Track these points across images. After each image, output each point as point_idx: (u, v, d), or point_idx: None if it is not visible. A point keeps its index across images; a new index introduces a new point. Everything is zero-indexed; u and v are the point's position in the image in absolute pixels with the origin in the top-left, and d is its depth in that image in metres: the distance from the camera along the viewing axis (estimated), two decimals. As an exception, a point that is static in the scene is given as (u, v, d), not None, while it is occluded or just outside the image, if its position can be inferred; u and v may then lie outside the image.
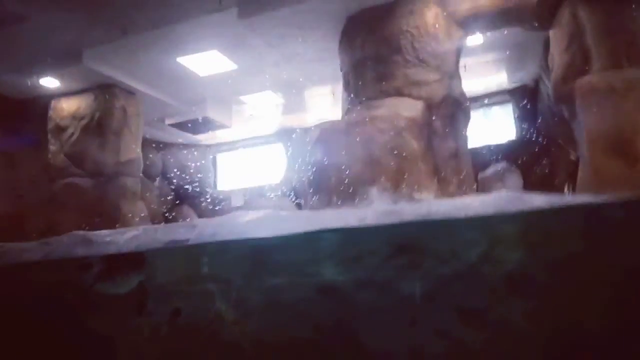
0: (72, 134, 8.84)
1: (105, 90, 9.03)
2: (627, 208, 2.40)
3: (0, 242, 3.16)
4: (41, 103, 9.26)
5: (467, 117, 6.80)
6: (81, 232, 3.13)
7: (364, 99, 6.55)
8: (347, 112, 6.88)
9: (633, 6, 5.59)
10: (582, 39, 6.00)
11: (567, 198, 2.99)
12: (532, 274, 2.45)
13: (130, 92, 9.32)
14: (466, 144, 6.66)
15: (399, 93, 6.38)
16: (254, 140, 13.08)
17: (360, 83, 6.74)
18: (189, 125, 10.95)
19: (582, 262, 2.40)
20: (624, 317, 2.31)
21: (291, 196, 11.29)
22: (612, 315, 2.30)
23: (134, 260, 2.68)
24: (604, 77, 5.48)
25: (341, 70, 7.54)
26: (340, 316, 2.69)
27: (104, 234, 3.05)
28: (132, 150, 9.22)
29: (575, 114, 6.07)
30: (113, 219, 8.14)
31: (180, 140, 12.61)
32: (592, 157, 5.45)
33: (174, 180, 12.63)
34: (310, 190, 5.98)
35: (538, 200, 2.39)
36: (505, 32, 7.32)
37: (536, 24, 6.71)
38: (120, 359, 2.77)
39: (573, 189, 6.49)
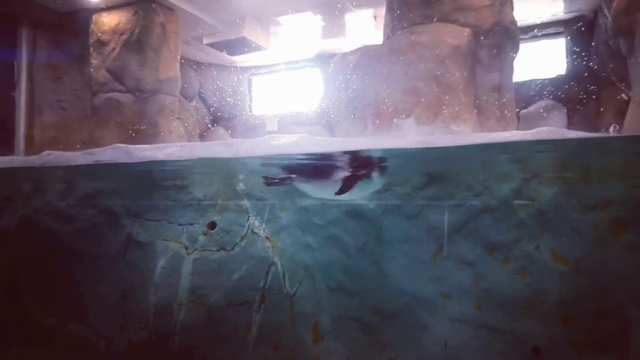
0: (113, 49, 8.90)
1: (144, 6, 8.94)
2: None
3: (48, 150, 3.35)
4: (84, 16, 9.28)
5: (516, 48, 6.42)
6: (123, 145, 3.26)
7: (407, 23, 6.26)
8: (389, 37, 6.62)
9: None
10: (654, -36, 5.43)
11: (609, 135, 2.88)
12: (565, 211, 2.43)
13: (169, 9, 9.20)
14: (511, 76, 6.35)
15: (445, 19, 6.04)
16: (291, 64, 12.87)
17: (404, 6, 6.40)
18: (226, 45, 10.82)
19: (619, 202, 2.35)
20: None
21: (326, 122, 11.25)
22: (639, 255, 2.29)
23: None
24: (672, 9, 5.02)
25: (385, -9, 7.17)
26: (368, 241, 2.78)
27: (144, 148, 3.17)
28: (171, 68, 9.25)
29: (633, 49, 5.65)
30: (151, 135, 8.38)
31: (217, 61, 12.54)
32: (646, 96, 5.14)
33: (210, 102, 12.73)
34: (346, 114, 5.93)
35: (579, 138, 2.31)
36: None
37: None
38: (158, 264, 2.98)
39: (620, 128, 6.20)
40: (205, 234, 2.95)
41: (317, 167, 2.59)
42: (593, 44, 9.07)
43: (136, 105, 8.83)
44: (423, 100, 5.20)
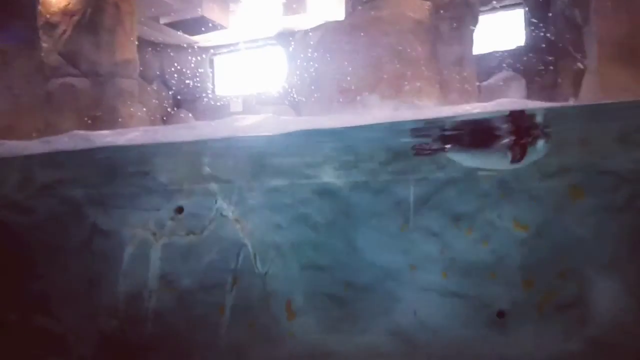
0: (64, 31, 8.50)
1: (95, -16, 8.57)
2: (626, 114, 2.40)
3: (1, 140, 3.20)
4: (29, -3, 8.83)
5: (475, 20, 6.50)
6: (81, 132, 3.15)
7: (368, -2, 6.23)
8: (350, 12, 6.58)
9: None
10: None
11: (566, 104, 2.98)
12: (525, 180, 2.52)
13: (121, -13, 8.86)
14: (472, 49, 6.44)
15: (406, -7, 6.05)
16: (253, 43, 12.63)
17: (365, -19, 6.36)
18: (184, 24, 10.50)
19: (577, 169, 2.45)
20: (612, 223, 2.41)
21: (291, 100, 11.17)
22: (599, 220, 2.41)
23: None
24: (623, -21, 5.16)
25: (345, -35, 7.08)
26: (337, 217, 2.81)
27: (104, 134, 3.07)
28: (128, 50, 8.92)
29: (588, 18, 5.80)
30: (110, 121, 8.11)
31: (176, 42, 12.17)
32: (600, 64, 5.30)
33: (171, 84, 12.40)
34: (311, 94, 5.90)
35: (538, 106, 2.38)
36: None
37: None
38: (125, 252, 2.93)
39: (577, 99, 6.40)
40: (172, 219, 2.91)
41: (475, 136, 2.37)
42: (550, 14, 9.25)
43: (93, 90, 8.50)
44: (386, 75, 5.22)
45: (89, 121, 7.73)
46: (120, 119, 8.30)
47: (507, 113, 2.24)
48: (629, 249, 2.30)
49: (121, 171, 3.08)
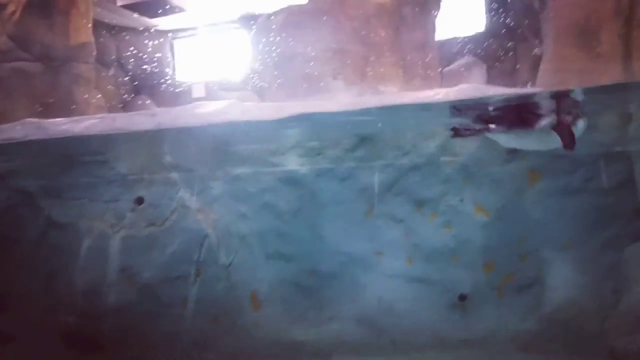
0: (13, 12, 8.05)
1: (45, -37, 8.14)
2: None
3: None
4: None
5: (438, 6, 6.55)
6: (35, 120, 3.00)
7: (332, -19, 6.15)
8: (314, -4, 6.50)
9: None
10: None
11: (524, 90, 3.04)
12: (486, 164, 2.56)
13: (73, -34, 8.45)
14: (434, 35, 6.49)
15: (370, -24, 6.02)
16: (215, 26, 12.35)
17: (328, -37, 6.27)
18: (142, 6, 10.14)
19: (534, 152, 2.51)
20: (568, 205, 2.49)
21: (254, 86, 11.01)
22: (555, 202, 2.48)
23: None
24: (579, -36, 5.28)
25: (308, -52, 6.97)
26: (303, 205, 2.79)
27: (60, 122, 2.93)
28: (83, 33, 8.54)
29: (545, 5, 5.93)
30: (66, 108, 7.78)
31: (135, 25, 11.75)
32: (556, 48, 5.44)
33: (130, 68, 11.99)
34: (274, 77, 5.81)
35: (499, 93, 2.42)
36: None
37: None
38: (83, 245, 2.83)
39: (535, 83, 6.57)
40: (132, 211, 2.82)
41: (518, 115, 2.26)
42: (510, 4, 9.41)
43: (46, 75, 8.10)
44: (350, 60, 5.19)
45: (41, 109, 7.39)
46: (75, 106, 7.98)
47: (551, 93, 2.23)
48: (584, 230, 2.39)
49: (77, 161, 2.95)
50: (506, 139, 2.34)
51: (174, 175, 2.84)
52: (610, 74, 4.84)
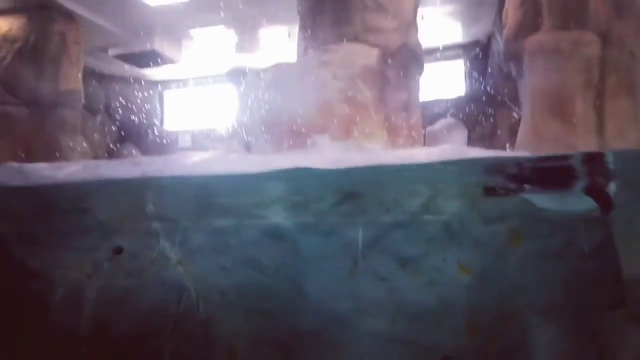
0: (4, 57, 8.13)
1: (40, 12, 8.29)
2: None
3: None
4: (-34, 20, 8.42)
5: (421, 69, 6.84)
6: (16, 164, 2.96)
7: (320, 42, 6.41)
8: (302, 54, 6.74)
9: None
10: (536, -3, 6.09)
11: (506, 154, 3.14)
12: (468, 224, 2.59)
13: (69, 16, 8.61)
14: (418, 96, 6.74)
15: (356, 39, 6.28)
16: (204, 79, 12.61)
17: (316, 25, 6.55)
18: (135, 57, 10.31)
19: (516, 214, 2.56)
20: (550, 268, 2.52)
21: (241, 139, 11.14)
22: (537, 265, 2.50)
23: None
24: (552, 37, 5.63)
25: (298, 10, 7.30)
26: (285, 260, 2.76)
27: (41, 168, 2.90)
28: (72, 80, 8.63)
29: (522, 73, 6.25)
30: (50, 153, 7.73)
31: (125, 74, 11.94)
32: (533, 116, 5.69)
33: (118, 116, 12.05)
34: (261, 132, 5.91)
35: (479, 155, 2.49)
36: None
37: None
38: (56, 296, 2.72)
39: (513, 146, 6.81)
40: (110, 261, 2.75)
41: (553, 176, 2.27)
42: (489, 70, 9.92)
43: (32, 120, 8.11)
44: (336, 118, 5.33)
45: (23, 155, 7.30)
46: (58, 152, 7.92)
47: (584, 155, 2.23)
48: (566, 294, 2.40)
49: (57, 208, 2.90)
50: (540, 200, 2.34)
51: (156, 225, 2.80)
52: (585, 143, 5.06)
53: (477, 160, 2.37)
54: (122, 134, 12.06)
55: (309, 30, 6.72)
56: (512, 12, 6.37)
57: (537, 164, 2.34)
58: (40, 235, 2.88)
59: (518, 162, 2.37)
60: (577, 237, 2.42)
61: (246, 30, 10.05)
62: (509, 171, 2.37)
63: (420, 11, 7.25)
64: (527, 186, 2.31)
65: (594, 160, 2.27)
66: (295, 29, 7.81)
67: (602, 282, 2.35)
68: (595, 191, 2.17)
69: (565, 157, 2.33)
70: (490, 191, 2.35)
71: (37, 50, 8.36)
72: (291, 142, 5.29)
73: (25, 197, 2.98)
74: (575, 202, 2.23)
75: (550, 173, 2.34)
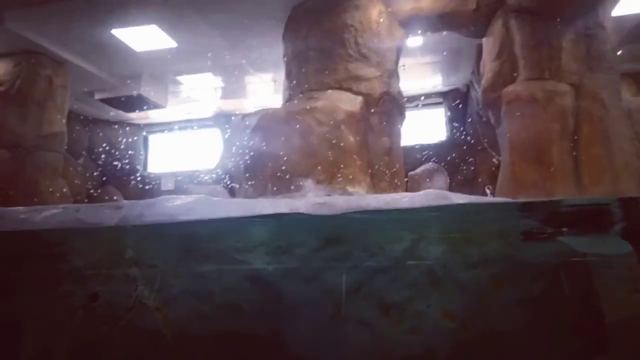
0: (-12, 99, 8.15)
1: (29, 57, 8.38)
2: (540, 211, 2.60)
3: None
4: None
5: (403, 116, 7.03)
6: (-9, 208, 2.90)
7: (305, 89, 6.57)
8: (287, 100, 6.87)
9: (558, 24, 6.02)
10: (511, 50, 6.38)
11: (487, 199, 3.18)
12: (451, 269, 2.59)
13: (57, 62, 8.71)
14: (400, 141, 6.88)
15: (340, 86, 6.45)
16: (190, 123, 12.73)
17: (302, 73, 6.73)
18: (121, 101, 10.39)
19: (498, 260, 2.57)
20: (531, 314, 2.51)
21: (225, 183, 11.12)
22: (521, 312, 2.49)
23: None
24: (527, 87, 5.88)
25: (284, 58, 7.51)
26: (268, 306, 2.70)
27: (18, 211, 2.84)
28: (56, 123, 8.62)
29: (500, 120, 6.46)
30: (30, 196, 7.60)
31: (110, 117, 11.99)
32: (512, 162, 5.84)
33: (101, 158, 12.00)
34: (246, 177, 5.92)
35: (461, 200, 2.52)
36: (444, 35, 7.61)
37: (472, 31, 7.06)
38: (27, 344, 2.60)
39: (494, 191, 6.93)
40: (84, 308, 2.65)
41: (589, 220, 2.26)
42: (468, 117, 10.23)
43: (13, 163, 8.02)
44: (320, 163, 5.38)
45: (1, 198, 7.16)
46: (38, 196, 7.79)
47: (620, 200, 2.27)
48: (550, 340, 2.37)
49: (32, 253, 2.82)
50: (578, 243, 2.34)
51: (134, 270, 2.73)
52: (564, 189, 5.18)
53: (511, 204, 2.40)
54: (106, 176, 11.96)
55: (294, 78, 6.90)
56: (488, 64, 6.65)
57: (575, 208, 2.36)
58: (10, 283, 2.78)
59: (556, 205, 2.40)
60: (558, 283, 2.43)
61: (232, 77, 10.26)
62: (544, 215, 2.39)
63: (402, 61, 7.54)
64: (564, 229, 2.31)
65: (630, 205, 2.31)
66: (281, 75, 8.02)
67: (586, 327, 2.35)
68: (631, 235, 2.18)
69: (603, 202, 2.37)
70: (529, 235, 2.35)
71: (22, 94, 8.40)
72: (275, 187, 5.30)
73: (1, 242, 2.90)
74: (613, 245, 2.23)
75: (587, 217, 2.35)
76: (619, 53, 6.40)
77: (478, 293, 2.50)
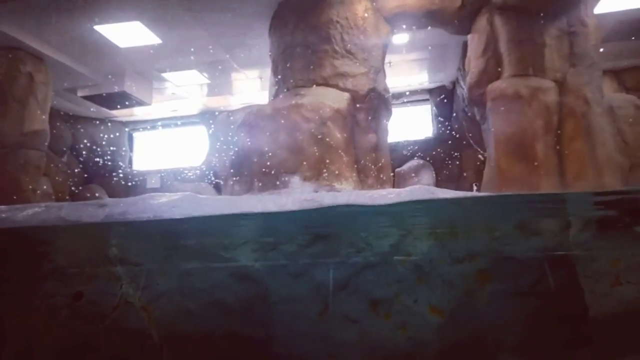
0: (-33, 98, 7.98)
1: (8, 53, 8.22)
2: (525, 205, 2.62)
3: None
4: None
5: (389, 112, 7.04)
6: (-29, 207, 2.83)
7: (291, 85, 6.54)
8: (273, 97, 6.84)
9: (541, 21, 6.08)
10: (496, 46, 6.44)
11: (473, 194, 3.20)
12: (438, 264, 2.60)
13: (37, 58, 8.55)
14: (386, 138, 6.90)
15: (326, 83, 6.44)
16: (175, 120, 12.61)
17: (288, 69, 6.70)
18: (104, 98, 10.24)
19: (484, 254, 2.59)
20: (518, 307, 2.53)
21: (211, 180, 11.03)
22: (507, 305, 2.51)
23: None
24: (512, 84, 5.93)
25: (270, 55, 7.47)
26: (254, 303, 2.68)
27: (0, 210, 2.78)
28: (38, 121, 8.47)
29: (485, 117, 6.52)
30: (10, 194, 7.46)
31: (93, 114, 11.83)
32: (497, 157, 5.90)
33: (84, 156, 11.82)
34: (231, 174, 5.88)
35: (447, 195, 2.53)
36: (430, 31, 7.64)
37: (457, 27, 7.10)
38: (9, 345, 2.55)
39: (479, 186, 6.99)
40: (68, 307, 2.61)
41: None
42: (454, 113, 10.29)
43: (-7, 161, 7.85)
44: (307, 159, 5.36)
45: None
46: (20, 194, 7.65)
47: None
48: (536, 333, 2.40)
49: (14, 252, 2.77)
50: None
51: (119, 269, 2.69)
52: (548, 183, 5.24)
53: (582, 194, 2.34)
54: (89, 173, 11.79)
55: (280, 74, 6.86)
56: (474, 61, 6.69)
57: None
58: (-6, 281, 2.73)
59: (629, 195, 2.35)
60: (543, 276, 2.45)
61: (218, 74, 10.17)
62: (623, 205, 2.35)
63: (388, 58, 7.54)
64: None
65: None
66: (267, 73, 7.96)
67: (570, 319, 2.38)
68: None
69: None
70: (606, 225, 2.33)
71: (2, 90, 8.22)
72: (261, 183, 5.27)
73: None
74: None
75: None
76: (601, 50, 6.48)
77: (464, 287, 2.52)
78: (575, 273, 2.45)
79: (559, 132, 5.66)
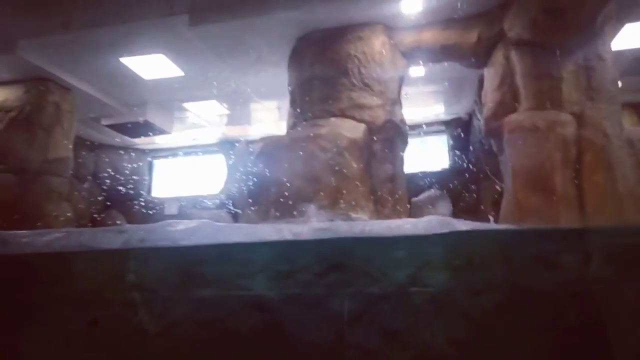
0: (-3, 125, 8.29)
1: (38, 84, 8.55)
2: (544, 238, 2.59)
3: None
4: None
5: (405, 143, 7.08)
6: (-5, 231, 2.91)
7: (309, 116, 6.64)
8: (291, 128, 6.95)
9: (557, 56, 6.12)
10: (512, 80, 6.39)
11: (491, 226, 3.17)
12: (455, 296, 2.56)
13: (65, 88, 8.88)
14: (402, 168, 6.91)
15: (343, 114, 6.53)
16: (195, 148, 12.84)
17: (306, 101, 6.82)
18: (127, 127, 10.53)
19: (502, 287, 2.54)
20: (539, 342, 2.47)
21: (229, 208, 11.10)
22: (527, 340, 2.45)
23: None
24: (529, 117, 5.93)
25: (289, 86, 7.58)
26: (269, 332, 2.66)
27: (22, 235, 2.85)
28: (63, 148, 8.73)
29: (502, 149, 6.50)
30: (34, 219, 7.62)
31: (115, 142, 12.13)
32: (515, 189, 5.85)
33: (106, 183, 12.06)
34: (249, 203, 5.93)
35: (465, 226, 2.52)
36: (445, 65, 7.74)
37: (473, 62, 7.17)
38: (26, 370, 2.57)
39: (497, 218, 6.90)
40: (85, 334, 2.63)
41: None
42: (470, 144, 10.28)
43: (19, 187, 8.07)
44: (323, 189, 5.39)
45: (5, 223, 7.18)
46: (42, 220, 7.81)
47: None
48: (555, 370, 2.33)
49: (33, 277, 2.81)
50: None
51: (135, 295, 2.71)
52: (567, 216, 5.16)
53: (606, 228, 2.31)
54: (110, 200, 11.99)
55: (298, 106, 6.99)
56: (490, 93, 6.73)
57: None
58: (9, 308, 2.76)
59: None
60: (564, 311, 2.39)
61: (237, 104, 10.39)
62: None
63: (404, 90, 7.63)
64: None
65: None
66: (285, 103, 8.12)
67: (592, 355, 2.30)
68: None
69: None
70: (629, 258, 2.26)
71: (30, 119, 8.52)
72: (278, 212, 5.30)
73: (2, 266, 2.90)
74: None
75: None
76: (619, 84, 6.47)
77: (482, 321, 2.46)
78: (598, 308, 2.39)
79: (577, 165, 5.61)
